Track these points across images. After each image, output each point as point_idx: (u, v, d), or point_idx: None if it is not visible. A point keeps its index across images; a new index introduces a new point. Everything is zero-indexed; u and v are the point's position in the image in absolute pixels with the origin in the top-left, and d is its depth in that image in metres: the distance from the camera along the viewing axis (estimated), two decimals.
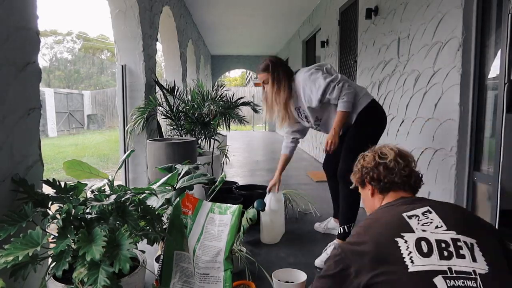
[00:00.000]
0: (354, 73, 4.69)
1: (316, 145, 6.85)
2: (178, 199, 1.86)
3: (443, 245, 1.00)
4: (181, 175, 2.01)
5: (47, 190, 1.62)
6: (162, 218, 1.74)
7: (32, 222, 1.41)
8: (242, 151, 8.09)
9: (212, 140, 4.11)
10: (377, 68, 3.80)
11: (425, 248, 1.00)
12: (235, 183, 3.55)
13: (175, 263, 1.70)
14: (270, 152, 7.95)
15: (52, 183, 1.55)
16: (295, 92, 2.44)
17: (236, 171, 5.58)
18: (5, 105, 1.48)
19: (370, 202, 1.36)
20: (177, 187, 1.93)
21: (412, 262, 0.98)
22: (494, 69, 2.27)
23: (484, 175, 2.35)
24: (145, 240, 1.56)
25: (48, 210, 1.49)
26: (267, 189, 2.68)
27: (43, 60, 28.32)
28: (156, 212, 1.63)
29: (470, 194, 2.47)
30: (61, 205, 1.45)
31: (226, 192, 3.07)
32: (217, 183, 2.27)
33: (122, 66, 3.74)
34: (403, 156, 1.31)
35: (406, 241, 1.02)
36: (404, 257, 0.99)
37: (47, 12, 50.36)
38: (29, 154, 1.66)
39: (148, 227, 1.58)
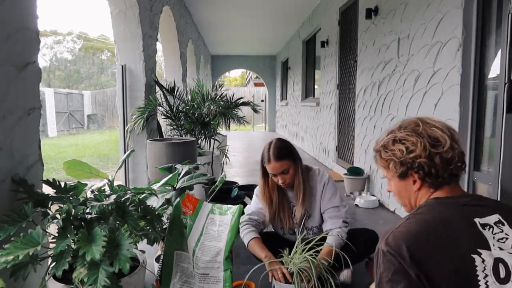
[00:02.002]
0: (354, 73, 4.69)
1: (316, 145, 6.85)
2: (178, 199, 1.86)
3: None
4: (181, 175, 2.01)
5: (47, 190, 1.62)
6: (162, 218, 1.74)
7: (32, 222, 1.41)
8: (242, 151, 8.09)
9: (212, 140, 4.12)
10: (377, 68, 3.80)
11: (502, 272, 0.86)
12: (235, 183, 3.55)
13: (175, 263, 1.70)
14: None
15: (52, 183, 1.55)
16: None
17: (236, 171, 5.58)
18: (5, 105, 1.48)
19: (411, 195, 1.08)
20: (177, 187, 1.93)
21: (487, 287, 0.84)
22: (494, 69, 2.27)
23: (484, 175, 2.35)
24: (145, 240, 1.56)
25: (48, 210, 1.49)
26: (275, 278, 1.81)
27: (43, 60, 28.34)
28: (156, 212, 1.63)
29: None
30: (61, 205, 1.45)
31: (226, 192, 3.07)
32: (217, 183, 2.27)
33: (122, 66, 3.74)
34: (455, 136, 1.03)
35: (483, 261, 0.86)
36: (479, 280, 0.85)
37: (47, 12, 50.40)
38: (29, 154, 1.66)
39: (148, 227, 1.58)
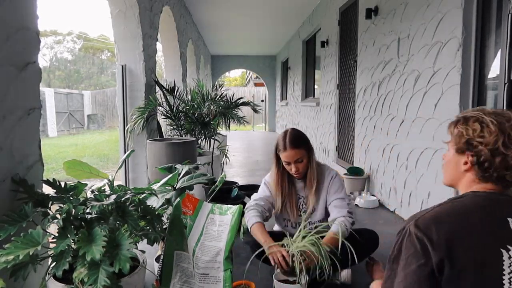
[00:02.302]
0: (354, 73, 4.69)
1: (316, 145, 6.85)
2: (178, 199, 1.86)
3: None
4: (181, 175, 2.01)
5: (47, 190, 1.62)
6: (162, 218, 1.74)
7: (32, 222, 1.41)
8: (242, 151, 8.09)
9: (212, 140, 4.12)
10: (377, 68, 3.80)
11: None
12: (235, 183, 3.55)
13: (175, 263, 1.70)
14: (270, 152, 7.92)
15: (52, 183, 1.55)
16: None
17: (236, 171, 5.58)
18: (5, 105, 1.48)
19: (457, 173, 1.08)
20: (177, 187, 1.93)
21: (510, 284, 0.85)
22: (494, 69, 2.27)
23: None
24: (145, 240, 1.56)
25: (48, 210, 1.49)
26: (280, 268, 1.77)
27: (43, 60, 28.34)
28: (156, 212, 1.63)
29: None
30: (61, 205, 1.45)
31: (226, 192, 3.07)
32: (217, 183, 2.27)
33: (122, 66, 3.74)
34: None
35: (510, 257, 0.88)
36: (504, 275, 0.86)
37: (47, 12, 50.40)
38: (29, 154, 1.66)
39: (148, 227, 1.58)
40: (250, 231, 1.98)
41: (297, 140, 1.99)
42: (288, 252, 1.74)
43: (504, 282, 0.85)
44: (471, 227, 0.91)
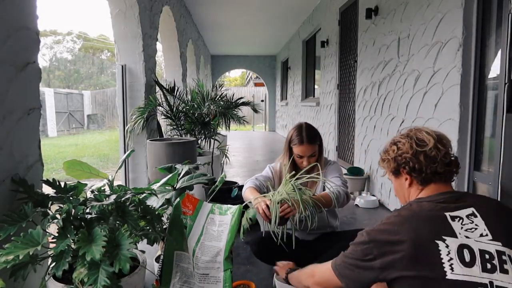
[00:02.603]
0: (354, 73, 4.69)
1: None
2: (178, 199, 1.85)
3: (487, 256, 0.96)
4: (181, 175, 2.01)
5: (47, 190, 1.62)
6: (162, 218, 1.74)
7: (32, 222, 1.41)
8: (242, 151, 8.09)
9: (212, 140, 4.11)
10: (377, 68, 3.80)
11: (467, 257, 0.95)
12: (235, 183, 3.55)
13: (175, 263, 1.70)
14: (270, 152, 7.95)
15: (52, 183, 1.55)
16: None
17: (236, 171, 5.58)
18: (5, 105, 1.48)
19: (405, 192, 1.24)
20: (177, 187, 1.93)
21: (451, 269, 0.94)
22: (494, 69, 2.27)
23: (484, 175, 2.35)
24: (145, 240, 1.55)
25: (48, 210, 1.49)
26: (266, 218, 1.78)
27: (43, 60, 28.33)
28: (156, 212, 1.63)
29: None
30: (61, 205, 1.45)
31: (226, 192, 3.07)
32: (217, 183, 2.27)
33: (122, 66, 3.74)
34: (442, 141, 1.18)
35: (447, 246, 0.97)
36: (443, 262, 0.95)
37: (47, 12, 50.40)
38: (29, 154, 1.66)
39: (148, 227, 1.58)
40: (243, 197, 2.01)
41: (313, 136, 2.06)
42: (271, 201, 1.76)
43: (445, 269, 0.94)
44: (411, 233, 1.01)
